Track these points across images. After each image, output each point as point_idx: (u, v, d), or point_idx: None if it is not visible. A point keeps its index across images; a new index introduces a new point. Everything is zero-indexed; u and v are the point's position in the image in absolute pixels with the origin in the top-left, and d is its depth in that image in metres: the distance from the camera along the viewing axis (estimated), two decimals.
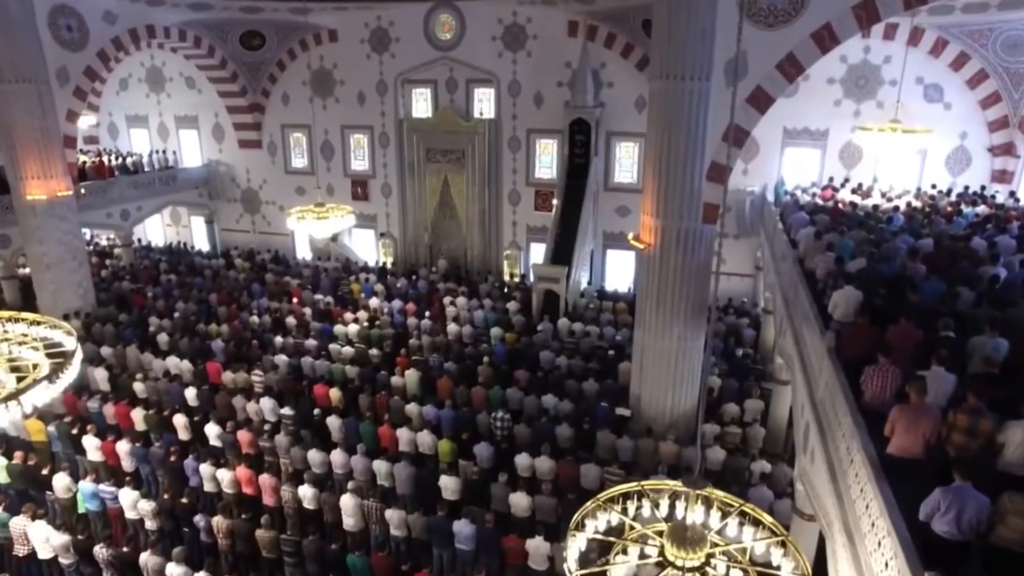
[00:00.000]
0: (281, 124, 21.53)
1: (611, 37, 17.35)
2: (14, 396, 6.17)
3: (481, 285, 17.91)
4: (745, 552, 4.09)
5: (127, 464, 10.58)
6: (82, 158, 19.38)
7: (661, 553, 4.01)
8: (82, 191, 16.36)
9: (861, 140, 14.19)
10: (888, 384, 5.75)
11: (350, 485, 9.12)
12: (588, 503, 4.46)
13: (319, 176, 21.34)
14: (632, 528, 4.26)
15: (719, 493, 4.20)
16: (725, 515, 4.36)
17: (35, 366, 6.84)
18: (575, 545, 4.20)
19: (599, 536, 4.31)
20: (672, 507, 4.56)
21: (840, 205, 12.89)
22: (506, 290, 18.06)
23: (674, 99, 10.00)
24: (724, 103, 9.98)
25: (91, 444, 10.59)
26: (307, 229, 13.79)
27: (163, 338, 14.66)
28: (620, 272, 19.19)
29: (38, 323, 7.67)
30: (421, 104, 20.02)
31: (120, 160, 20.40)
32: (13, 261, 16.90)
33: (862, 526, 5.02)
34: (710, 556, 3.84)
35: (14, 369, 7.57)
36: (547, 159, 19.09)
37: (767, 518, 4.18)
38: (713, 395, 11.96)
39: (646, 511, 4.55)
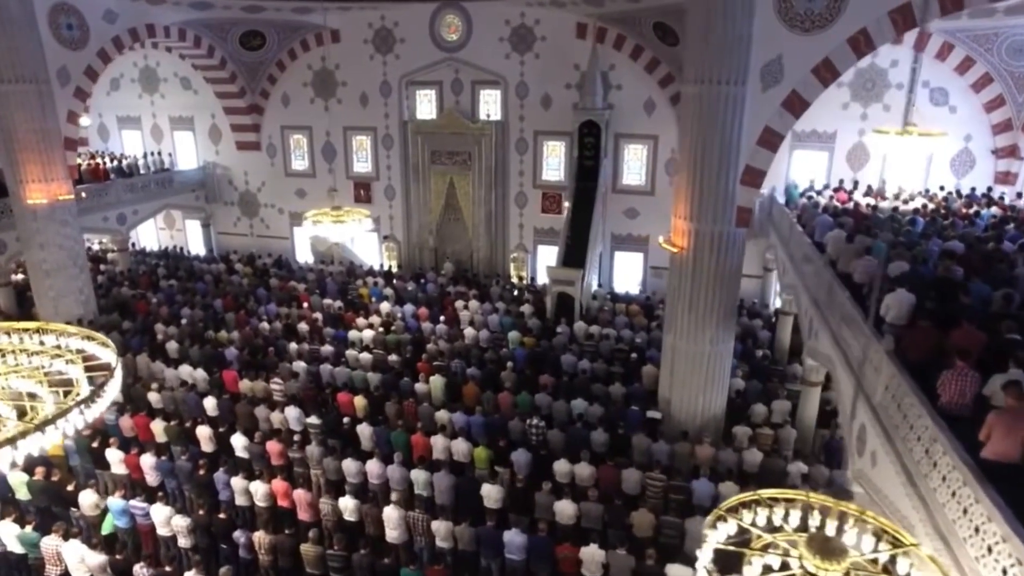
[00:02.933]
0: (281, 125, 21.15)
1: (620, 39, 17.37)
2: (57, 418, 5.84)
3: (492, 288, 17.77)
4: (877, 563, 4.07)
5: (151, 478, 10.25)
6: (76, 160, 18.75)
7: (784, 566, 3.99)
8: (82, 194, 15.82)
9: (877, 143, 14.40)
10: (967, 388, 5.79)
11: (393, 496, 8.94)
12: (710, 516, 4.39)
13: (320, 178, 21.07)
14: (759, 538, 4.21)
15: (852, 507, 4.16)
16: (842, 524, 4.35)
17: (69, 384, 6.57)
18: (705, 554, 4.14)
19: (725, 546, 4.26)
20: (786, 516, 4.54)
21: (861, 208, 13.04)
22: (516, 293, 17.97)
23: (710, 103, 10.01)
24: (759, 107, 10.07)
25: (115, 457, 10.23)
26: (325, 233, 13.50)
27: (172, 346, 14.26)
28: (628, 274, 19.23)
29: (69, 334, 7.39)
30: (425, 106, 19.82)
31: (116, 162, 19.80)
32: (8, 267, 16.29)
33: (959, 531, 5.05)
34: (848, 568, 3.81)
35: (52, 385, 7.29)
36: (555, 161, 19.05)
37: (890, 526, 4.17)
38: (737, 397, 12.06)
39: (761, 520, 4.52)
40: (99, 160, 19.68)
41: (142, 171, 20.28)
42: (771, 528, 4.48)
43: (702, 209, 10.54)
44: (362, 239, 20.52)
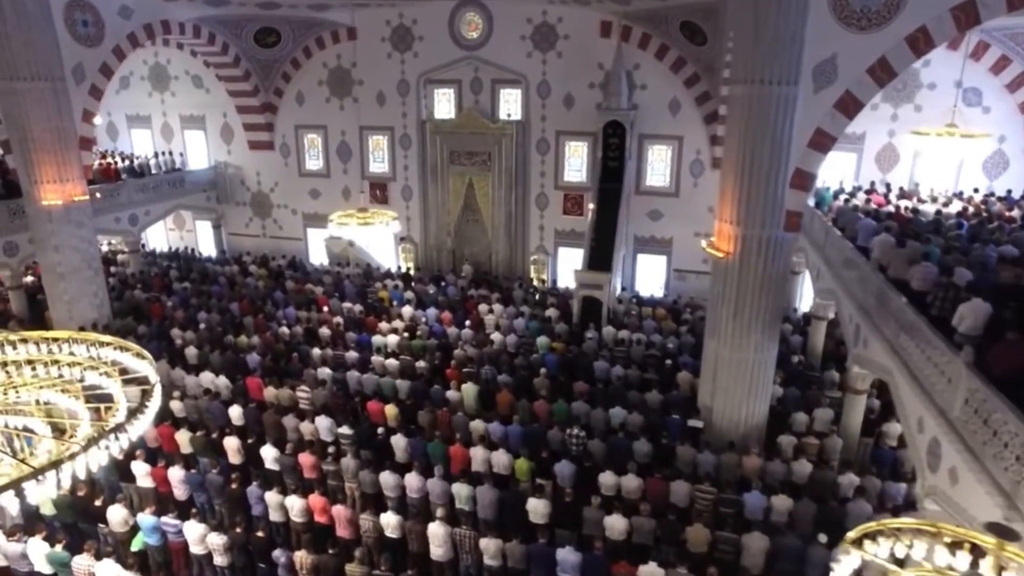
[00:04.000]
0: (295, 125, 20.74)
1: (646, 38, 17.05)
2: (94, 442, 5.41)
3: (515, 291, 17.42)
4: None
5: (180, 492, 9.87)
6: (91, 160, 18.32)
7: None
8: (97, 195, 15.39)
9: (914, 144, 14.13)
10: None
11: (438, 513, 8.58)
12: (841, 547, 4.04)
13: (335, 178, 20.69)
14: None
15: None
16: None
17: (104, 399, 6.19)
18: None
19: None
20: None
21: (901, 212, 12.76)
22: (538, 296, 17.61)
23: (760, 104, 9.67)
24: (810, 108, 9.74)
25: (141, 470, 9.85)
26: (351, 235, 13.12)
27: (191, 351, 13.87)
28: (651, 277, 18.91)
29: (102, 343, 7.01)
30: (444, 105, 19.45)
31: (126, 162, 19.37)
32: (20, 270, 15.84)
33: None
34: None
35: (89, 400, 6.91)
36: (577, 162, 18.72)
37: None
38: (778, 405, 11.76)
39: (884, 551, 4.18)
40: (111, 160, 19.22)
41: (153, 171, 19.84)
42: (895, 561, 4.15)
43: (750, 213, 10.20)
44: (378, 240, 20.16)
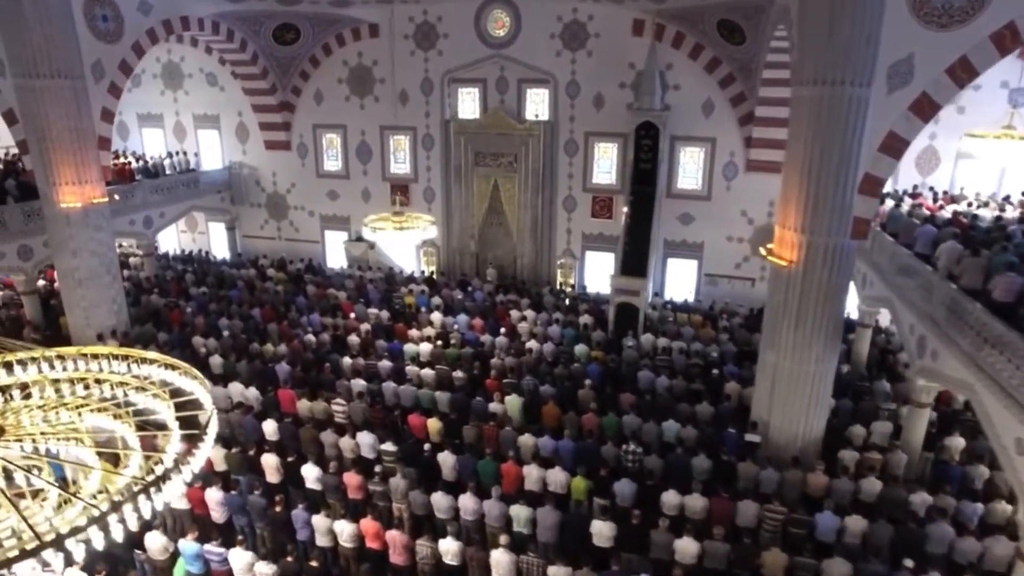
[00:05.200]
0: (313, 124, 20.18)
1: (679, 37, 16.60)
2: (157, 482, 4.83)
3: (545, 297, 16.93)
4: None
5: (218, 515, 9.33)
6: (110, 161, 17.73)
7: None
8: (115, 197, 14.80)
9: (970, 147, 13.72)
10: None
11: (503, 540, 8.07)
12: None
13: (354, 179, 20.16)
14: None
15: None
16: None
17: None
18: None
19: None
20: None
21: (960, 217, 12.34)
22: (567, 302, 17.13)
23: (831, 107, 9.22)
24: (883, 110, 9.31)
25: (176, 490, 9.26)
26: (386, 240, 12.59)
27: (216, 360, 13.32)
28: (682, 282, 18.45)
29: (144, 360, 6.49)
30: (468, 104, 18.93)
31: (142, 163, 18.77)
32: (34, 275, 15.24)
33: None
34: None
35: (142, 428, 6.42)
36: (606, 163, 18.25)
37: None
38: (833, 418, 11.32)
39: None
40: (125, 160, 18.62)
41: (167, 171, 19.25)
42: None
43: (815, 220, 9.75)
44: (399, 243, 19.65)
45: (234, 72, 19.48)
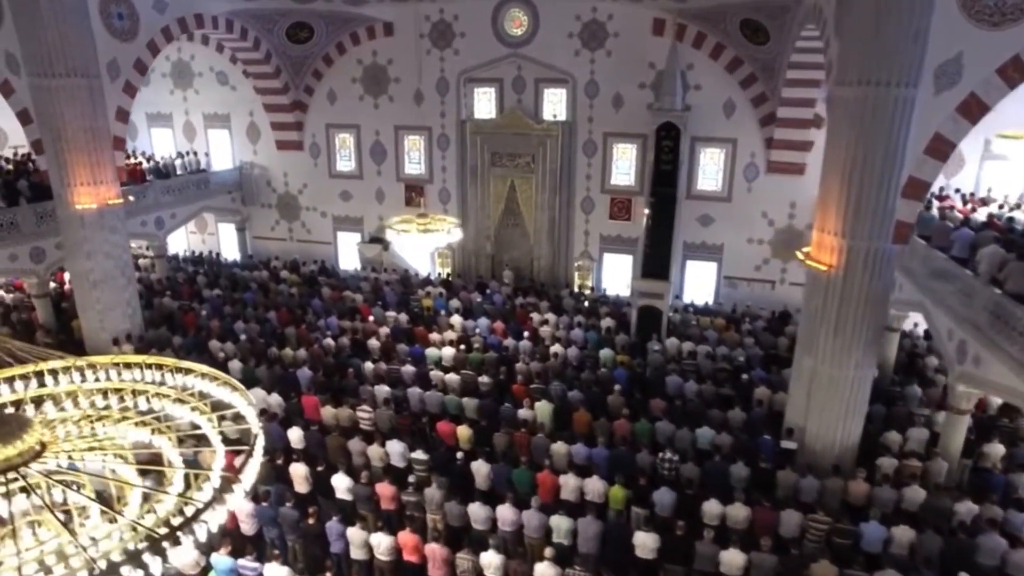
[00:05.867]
0: (326, 124, 19.89)
1: (700, 37, 16.39)
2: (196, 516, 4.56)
3: (565, 300, 16.71)
4: None
5: (247, 527, 9.07)
6: (125, 161, 17.43)
7: None
8: (130, 198, 14.51)
9: (1004, 148, 13.57)
10: None
11: (548, 552, 7.85)
12: None
13: (368, 180, 19.90)
14: None
15: None
16: None
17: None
18: None
19: None
20: None
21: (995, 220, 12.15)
22: (587, 304, 16.91)
23: (875, 108, 9.02)
24: (929, 111, 9.11)
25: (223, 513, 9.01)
26: (410, 243, 12.35)
27: (235, 365, 13.03)
28: (701, 284, 18.24)
29: (180, 370, 6.25)
30: (484, 104, 18.69)
31: (155, 163, 18.48)
32: (47, 277, 14.94)
33: None
34: None
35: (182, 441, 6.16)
36: (625, 164, 18.03)
37: None
38: (868, 423, 11.13)
39: None
40: (136, 160, 18.31)
41: (179, 172, 18.95)
42: None
43: (857, 224, 9.55)
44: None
45: (246, 71, 19.19)
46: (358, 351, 13.94)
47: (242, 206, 21.04)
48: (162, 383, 6.27)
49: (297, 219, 21.12)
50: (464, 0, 17.45)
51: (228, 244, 21.97)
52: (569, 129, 17.89)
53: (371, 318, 15.23)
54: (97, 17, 13.08)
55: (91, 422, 5.77)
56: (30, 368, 5.96)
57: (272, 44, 18.21)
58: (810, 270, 10.53)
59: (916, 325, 15.22)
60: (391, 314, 15.61)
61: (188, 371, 6.28)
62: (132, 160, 18.18)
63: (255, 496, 9.29)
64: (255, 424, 5.77)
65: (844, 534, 8.72)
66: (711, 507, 8.98)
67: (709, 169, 17.58)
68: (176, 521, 4.52)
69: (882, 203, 9.42)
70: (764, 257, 17.68)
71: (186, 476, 5.94)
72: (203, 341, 14.17)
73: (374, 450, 10.27)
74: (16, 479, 4.29)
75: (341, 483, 9.49)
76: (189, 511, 4.71)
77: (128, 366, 6.26)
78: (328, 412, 11.42)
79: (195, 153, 20.05)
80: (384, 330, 14.67)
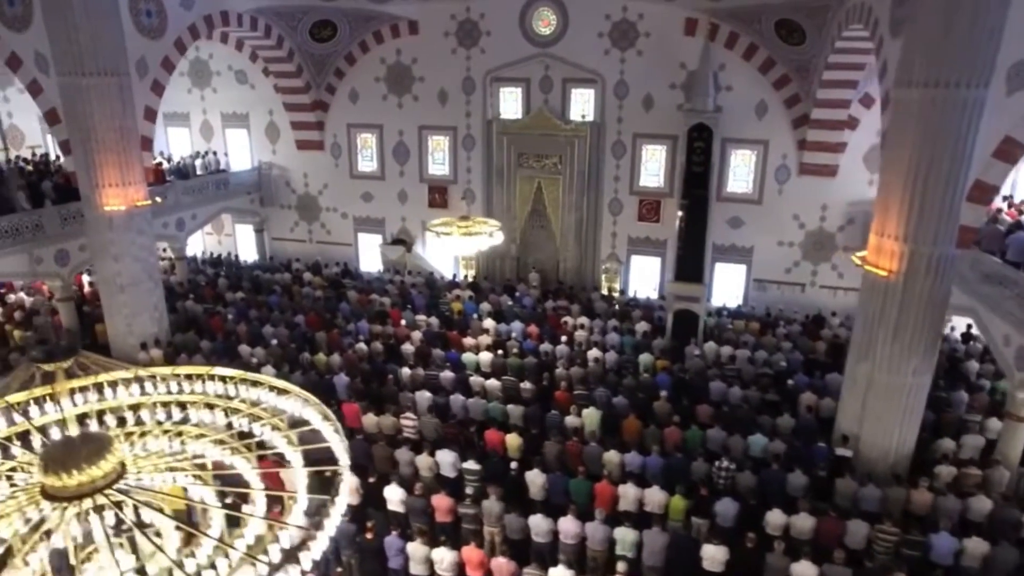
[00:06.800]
0: (348, 124, 19.59)
1: (733, 37, 16.19)
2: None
3: (596, 303, 16.48)
4: None
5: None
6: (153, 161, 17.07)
7: None
8: (157, 199, 14.19)
9: None
10: None
11: (621, 567, 7.62)
12: None
13: (390, 180, 19.63)
14: None
15: None
16: None
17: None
18: None
19: None
20: None
21: None
22: (617, 307, 16.67)
23: (944, 110, 8.80)
24: (999, 113, 8.94)
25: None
26: (453, 247, 12.08)
27: (268, 371, 12.73)
28: (729, 287, 18.05)
29: (242, 382, 5.97)
30: (510, 104, 18.43)
31: (176, 163, 18.14)
32: (71, 280, 14.60)
33: None
34: None
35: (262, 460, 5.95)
36: (654, 166, 17.81)
37: None
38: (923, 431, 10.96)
39: None
40: (156, 160, 17.94)
41: (199, 172, 18.62)
42: None
43: (920, 229, 9.35)
44: (424, 245, 19.24)
45: (266, 69, 18.86)
46: (392, 356, 13.67)
47: (260, 207, 20.70)
48: (230, 396, 6.00)
49: (317, 220, 20.81)
50: None
51: (245, 245, 21.63)
52: (597, 130, 17.66)
53: (402, 322, 14.94)
54: (127, 14, 12.76)
55: (169, 438, 5.51)
56: (90, 380, 5.69)
57: (295, 42, 17.90)
58: (867, 275, 10.33)
59: (953, 328, 15.08)
60: (421, 318, 15.34)
61: (256, 383, 6.03)
62: (154, 160, 17.80)
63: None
64: (338, 441, 5.54)
65: (914, 545, 8.52)
66: (775, 517, 8.77)
67: (740, 171, 17.39)
68: (274, 548, 4.31)
69: (947, 207, 9.21)
70: (794, 260, 17.50)
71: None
72: (232, 346, 13.87)
73: (423, 460, 10.01)
74: (100, 502, 4.06)
75: (394, 495, 9.23)
76: (284, 537, 4.49)
77: (190, 377, 6.00)
78: (370, 420, 11.16)
79: (214, 153, 19.71)
80: (417, 334, 14.41)
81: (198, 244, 21.95)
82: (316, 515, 5.14)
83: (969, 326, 14.76)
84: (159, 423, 5.58)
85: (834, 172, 16.53)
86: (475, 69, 18.03)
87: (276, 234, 21.23)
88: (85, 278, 17.24)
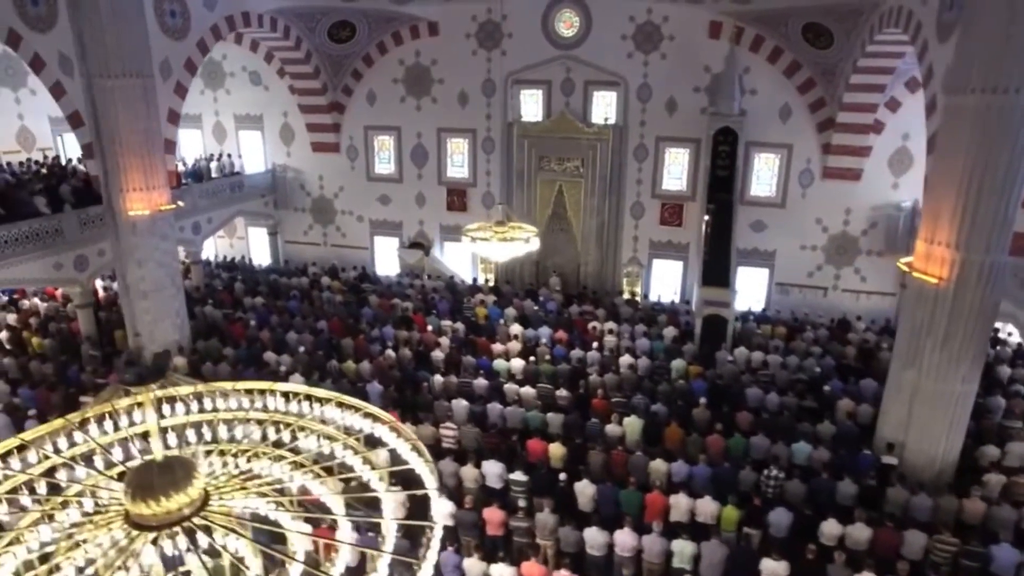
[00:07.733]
0: (364, 126, 19.34)
1: (758, 40, 16.11)
2: None
3: (621, 308, 16.34)
4: None
5: (350, 559, 8.55)
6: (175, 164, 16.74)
7: None
8: (180, 204, 13.89)
9: None
10: None
11: None
12: None
13: (408, 183, 19.40)
14: None
15: None
16: None
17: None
18: None
19: None
20: None
21: None
22: (641, 312, 16.55)
23: (1000, 117, 8.73)
24: None
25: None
26: (488, 252, 11.90)
27: (297, 380, 12.47)
28: (751, 291, 17.97)
29: (329, 402, 5.73)
30: (531, 107, 18.25)
31: (193, 165, 17.82)
32: (89, 286, 14.27)
33: None
34: None
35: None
36: (677, 170, 17.70)
37: None
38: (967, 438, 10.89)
39: None
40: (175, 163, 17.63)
41: (214, 175, 18.30)
42: None
43: (972, 236, 9.29)
44: (442, 248, 19.04)
45: (282, 71, 18.57)
46: (422, 363, 13.45)
47: (275, 210, 20.41)
48: (300, 414, 5.78)
49: (332, 223, 20.53)
50: (514, 0, 16.99)
51: (259, 249, 21.31)
52: (620, 133, 17.53)
53: (428, 328, 14.73)
54: (152, 15, 12.48)
55: (248, 460, 5.29)
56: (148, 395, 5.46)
57: (313, 43, 17.63)
58: (914, 281, 10.26)
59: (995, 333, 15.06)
60: (447, 323, 15.14)
61: (325, 400, 5.83)
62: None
63: (357, 526, 8.81)
64: (423, 463, 5.32)
65: (974, 556, 8.43)
66: (831, 527, 8.66)
67: (763, 175, 17.33)
68: None
69: (1001, 215, 9.16)
70: (817, 263, 17.46)
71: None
72: (257, 353, 13.60)
73: (468, 471, 9.81)
74: (187, 529, 3.86)
75: (443, 508, 9.03)
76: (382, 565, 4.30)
77: (250, 392, 5.77)
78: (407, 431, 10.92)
79: (228, 155, 19.39)
80: (445, 340, 14.20)
81: (210, 248, 21.59)
82: (410, 541, 4.91)
83: (996, 330, 14.75)
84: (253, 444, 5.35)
85: (858, 176, 16.50)
86: (495, 71, 17.83)
87: (290, 237, 20.94)
88: (99, 283, 16.88)
